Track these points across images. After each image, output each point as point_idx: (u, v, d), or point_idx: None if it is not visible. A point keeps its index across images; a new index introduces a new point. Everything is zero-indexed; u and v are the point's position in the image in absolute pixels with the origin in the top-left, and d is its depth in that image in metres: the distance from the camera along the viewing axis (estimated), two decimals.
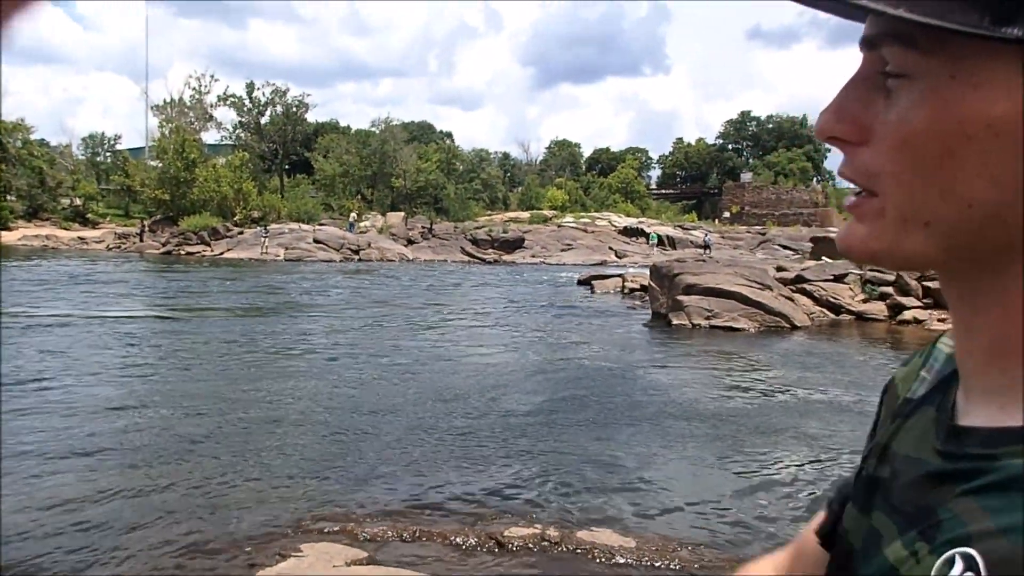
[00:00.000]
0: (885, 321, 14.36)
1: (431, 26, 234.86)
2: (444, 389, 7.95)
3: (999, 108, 0.34)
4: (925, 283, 14.05)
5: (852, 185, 0.42)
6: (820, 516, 0.61)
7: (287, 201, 45.79)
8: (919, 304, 14.20)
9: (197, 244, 35.37)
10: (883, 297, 14.97)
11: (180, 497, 4.72)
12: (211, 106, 51.39)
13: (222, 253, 33.79)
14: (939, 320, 13.12)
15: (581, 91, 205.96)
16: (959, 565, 0.34)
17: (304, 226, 39.28)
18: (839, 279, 16.01)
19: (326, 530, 4.27)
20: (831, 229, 38.67)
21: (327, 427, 6.40)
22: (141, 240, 37.30)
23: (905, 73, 0.37)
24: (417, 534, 4.24)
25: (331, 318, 13.91)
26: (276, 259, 32.33)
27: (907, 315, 14.07)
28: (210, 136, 51.99)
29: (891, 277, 14.90)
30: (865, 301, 15.22)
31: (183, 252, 34.21)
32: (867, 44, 0.40)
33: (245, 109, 52.62)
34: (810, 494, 5.10)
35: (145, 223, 39.87)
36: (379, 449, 5.81)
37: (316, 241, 35.25)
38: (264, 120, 53.48)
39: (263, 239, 34.21)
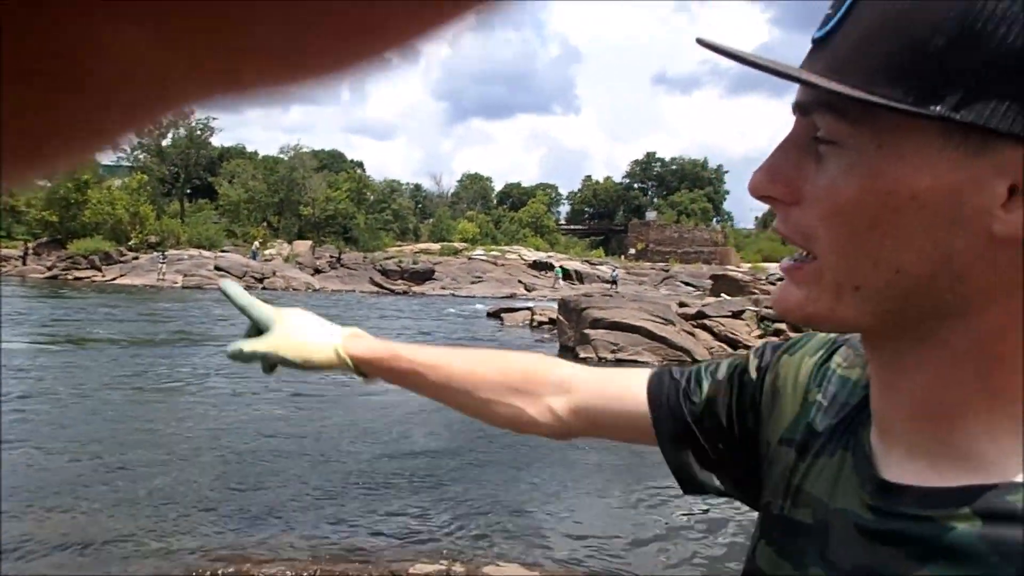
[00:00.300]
0: None
1: None
2: (347, 425, 7.75)
3: (923, 181, 0.36)
4: None
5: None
6: (643, 377, 0.66)
7: (188, 226, 44.05)
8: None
9: (87, 269, 33.42)
10: (777, 333, 15.69)
11: (55, 546, 4.38)
12: None
13: (114, 279, 32.06)
14: None
15: (493, 127, 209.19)
16: None
17: (205, 252, 37.83)
18: (737, 315, 16.69)
19: (220, 573, 4.05)
20: (729, 267, 40.38)
21: (224, 465, 6.11)
22: (24, 263, 34.93)
23: (835, 140, 0.38)
24: (318, 574, 4.08)
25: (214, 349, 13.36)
26: (173, 286, 30.93)
27: None
28: (106, 157, 49.47)
29: None
30: (761, 336, 15.93)
31: (71, 277, 32.21)
32: (800, 109, 0.41)
33: (145, 130, 50.48)
34: (706, 517, 5.23)
35: (29, 245, 37.40)
36: (279, 488, 5.59)
37: (217, 268, 33.97)
38: (166, 142, 51.48)
39: (160, 265, 32.71)
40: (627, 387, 0.70)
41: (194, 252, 37.62)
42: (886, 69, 0.36)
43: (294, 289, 33.03)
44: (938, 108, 0.34)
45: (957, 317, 0.38)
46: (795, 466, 0.52)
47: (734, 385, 0.62)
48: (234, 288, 0.87)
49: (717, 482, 0.63)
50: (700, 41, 0.41)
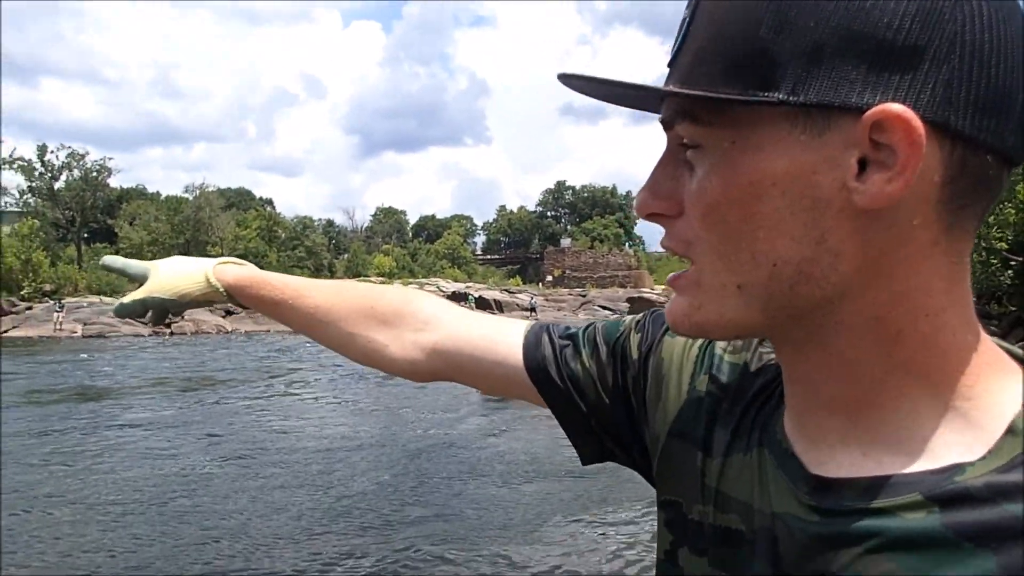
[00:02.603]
0: None
1: (248, 91, 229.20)
2: (280, 471, 7.46)
3: (779, 166, 0.37)
4: None
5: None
6: (518, 330, 0.65)
7: (86, 272, 41.86)
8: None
9: None
10: None
11: None
12: None
13: (7, 331, 30.00)
14: None
15: (405, 159, 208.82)
16: None
17: (106, 299, 35.97)
18: None
19: None
20: (644, 290, 41.48)
21: (147, 519, 5.75)
22: None
23: (697, 144, 0.40)
24: None
25: (138, 399, 12.71)
26: (72, 336, 29.21)
27: None
28: None
29: None
30: None
31: None
32: (664, 125, 0.42)
33: (36, 173, 47.90)
34: (645, 535, 5.28)
35: None
36: (211, 539, 5.30)
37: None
38: (59, 185, 48.94)
39: (56, 314, 30.86)
40: (501, 337, 0.67)
41: (94, 299, 35.76)
42: (724, 70, 0.37)
43: (204, 332, 31.78)
44: (775, 94, 0.36)
45: (846, 298, 0.38)
46: (704, 466, 0.50)
47: (617, 359, 0.60)
48: (110, 258, 0.90)
49: (612, 448, 0.62)
50: (561, 77, 0.42)
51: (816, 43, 0.35)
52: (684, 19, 0.41)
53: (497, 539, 5.40)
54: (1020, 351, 0.41)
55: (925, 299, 0.38)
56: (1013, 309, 15.50)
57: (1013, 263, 14.25)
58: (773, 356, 0.50)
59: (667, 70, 0.42)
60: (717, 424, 0.50)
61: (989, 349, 0.40)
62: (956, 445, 0.37)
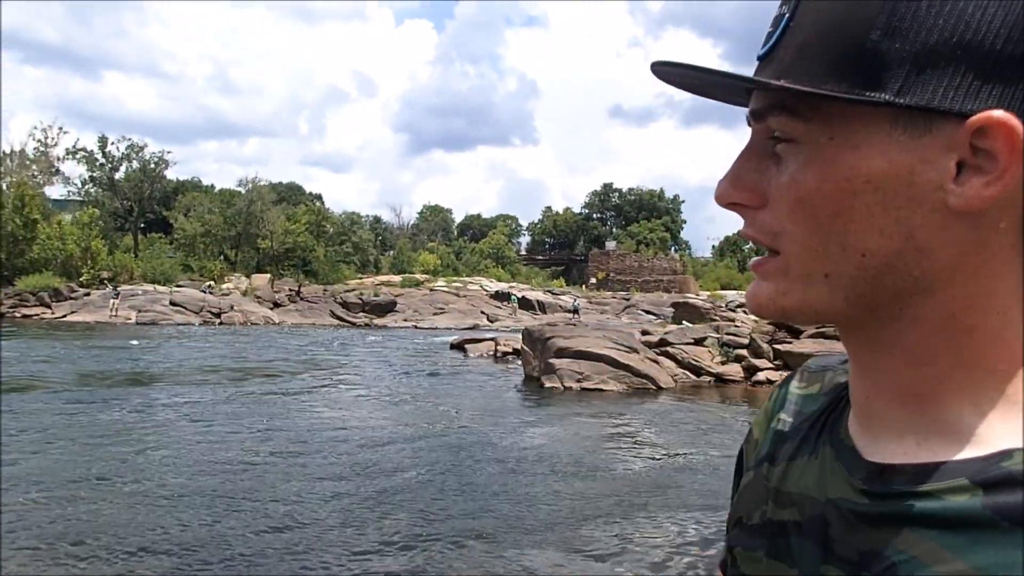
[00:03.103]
0: (742, 382, 15.23)
1: (301, 88, 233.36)
2: (325, 461, 7.59)
3: (875, 165, 0.38)
4: (776, 346, 15.06)
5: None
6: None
7: (141, 261, 43.14)
8: (771, 366, 15.17)
9: (36, 306, 32.42)
10: (739, 359, 15.90)
11: None
12: (58, 159, 48.02)
13: (65, 316, 31.14)
14: None
15: (453, 158, 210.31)
16: None
17: (160, 288, 37.07)
18: (699, 342, 16.86)
19: None
20: (689, 295, 41.01)
21: (203, 509, 5.91)
22: None
23: (791, 138, 0.41)
24: None
25: (185, 387, 13.05)
26: (127, 322, 30.15)
27: (760, 376, 14.99)
28: (56, 191, 48.44)
29: (746, 341, 15.88)
30: (723, 363, 16.11)
31: (18, 315, 31.20)
32: (755, 116, 0.43)
33: (97, 164, 49.55)
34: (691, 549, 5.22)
35: None
36: (246, 533, 5.42)
37: (173, 304, 33.28)
38: (118, 176, 50.54)
39: (112, 301, 31.87)
40: None
41: (148, 287, 36.84)
42: (829, 67, 0.39)
43: (252, 323, 32.45)
44: (881, 95, 0.37)
45: (926, 293, 0.40)
46: (768, 474, 0.52)
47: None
48: None
49: None
50: (655, 65, 0.43)
51: (926, 48, 0.37)
52: (782, 14, 0.42)
53: (535, 539, 5.40)
54: None
55: (1001, 296, 0.39)
56: None
57: None
58: (842, 379, 0.52)
59: (756, 63, 0.43)
60: (786, 440, 0.52)
61: None
62: (1010, 433, 0.38)
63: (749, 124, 0.44)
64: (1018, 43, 0.36)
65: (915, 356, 0.41)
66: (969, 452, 0.39)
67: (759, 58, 0.43)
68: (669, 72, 0.43)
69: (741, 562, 0.52)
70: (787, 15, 0.42)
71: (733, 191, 0.44)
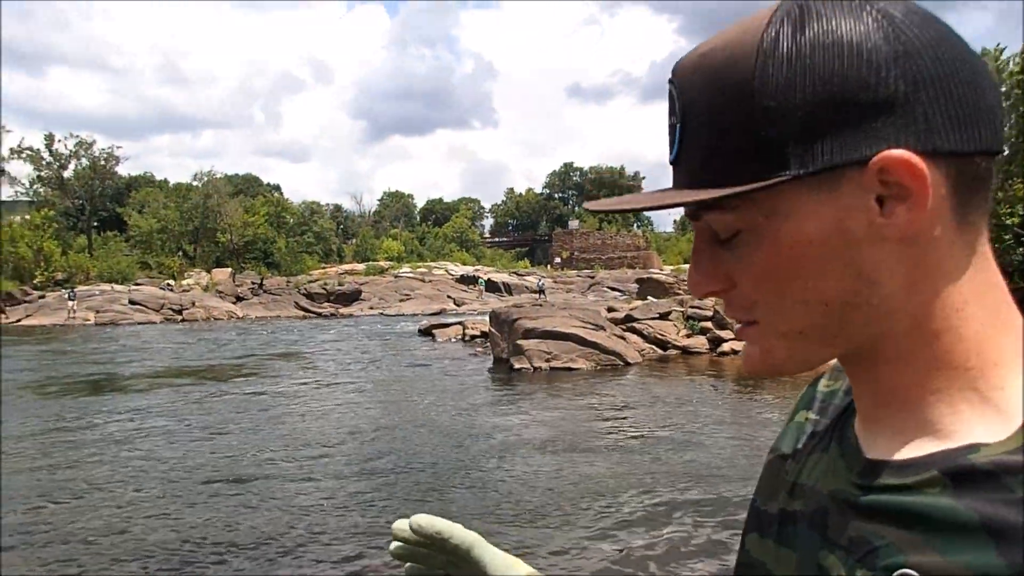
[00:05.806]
0: (707, 353, 15.50)
1: (254, 77, 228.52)
2: (292, 461, 7.57)
3: (810, 227, 0.43)
4: None
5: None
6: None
7: (97, 260, 42.10)
8: (735, 337, 15.46)
9: None
10: (704, 332, 16.17)
11: None
12: (3, 159, 46.47)
13: (19, 320, 30.33)
14: None
15: (412, 143, 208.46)
16: None
17: (118, 287, 36.29)
18: (664, 316, 17.11)
19: None
20: (653, 271, 41.37)
21: (179, 501, 5.87)
22: None
23: (731, 229, 0.46)
24: None
25: (145, 387, 12.87)
26: (85, 324, 29.48)
27: (725, 347, 15.28)
28: (3, 192, 46.91)
29: (710, 313, 16.14)
30: (688, 336, 16.37)
31: None
32: (691, 217, 0.48)
33: (44, 163, 48.05)
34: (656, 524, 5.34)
35: None
36: (241, 519, 5.41)
37: (132, 302, 32.59)
38: (67, 174, 49.09)
39: (69, 303, 31.11)
40: None
41: (106, 287, 36.03)
42: (735, 163, 0.43)
43: (215, 319, 31.99)
44: (788, 172, 0.42)
45: (890, 313, 0.44)
46: (788, 468, 0.57)
47: None
48: (421, 520, 0.68)
49: None
50: (589, 208, 0.50)
51: (807, 119, 0.41)
52: (674, 124, 0.47)
53: (523, 521, 5.48)
54: None
55: (953, 297, 0.43)
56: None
57: None
58: None
59: (670, 166, 0.48)
60: (806, 436, 0.57)
61: None
62: (979, 428, 0.42)
63: (688, 219, 0.49)
64: (881, 85, 0.40)
65: (894, 364, 0.45)
66: (942, 447, 0.42)
67: (671, 163, 0.48)
68: (605, 212, 0.49)
69: (750, 544, 0.57)
70: (678, 125, 0.46)
71: (705, 284, 0.48)
